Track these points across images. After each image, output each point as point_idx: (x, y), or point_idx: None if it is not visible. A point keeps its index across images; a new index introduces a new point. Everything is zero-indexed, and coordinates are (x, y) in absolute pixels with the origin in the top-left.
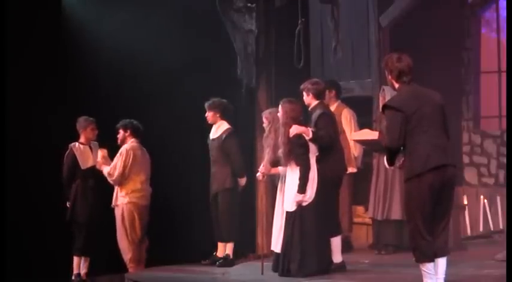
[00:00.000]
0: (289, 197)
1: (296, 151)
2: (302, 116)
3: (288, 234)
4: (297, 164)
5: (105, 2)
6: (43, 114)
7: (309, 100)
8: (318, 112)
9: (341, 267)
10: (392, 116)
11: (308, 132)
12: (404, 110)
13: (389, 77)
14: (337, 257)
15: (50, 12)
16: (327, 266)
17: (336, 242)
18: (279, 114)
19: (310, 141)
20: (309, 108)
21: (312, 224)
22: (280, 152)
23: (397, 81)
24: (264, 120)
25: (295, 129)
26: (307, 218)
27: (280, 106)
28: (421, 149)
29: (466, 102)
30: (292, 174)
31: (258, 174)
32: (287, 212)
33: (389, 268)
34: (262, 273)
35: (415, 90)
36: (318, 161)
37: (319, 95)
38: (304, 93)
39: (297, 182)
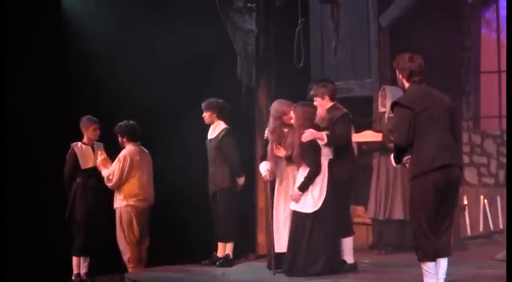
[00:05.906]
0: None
1: (308, 153)
2: (315, 118)
3: (298, 235)
4: (308, 166)
5: (105, 2)
6: (44, 113)
7: (325, 103)
8: (338, 112)
9: (353, 268)
10: (401, 114)
11: (323, 138)
12: (413, 107)
13: (400, 76)
14: (349, 258)
15: (50, 12)
16: (334, 266)
17: (349, 243)
18: (292, 120)
19: (325, 146)
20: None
21: (323, 226)
22: (294, 153)
23: (407, 81)
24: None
25: (309, 135)
26: (320, 220)
27: (292, 111)
28: (427, 148)
29: (466, 102)
30: (303, 175)
31: (265, 173)
32: (297, 213)
33: (390, 268)
34: (274, 274)
35: (425, 90)
36: (332, 163)
37: (334, 95)
38: (319, 98)
39: (302, 179)
